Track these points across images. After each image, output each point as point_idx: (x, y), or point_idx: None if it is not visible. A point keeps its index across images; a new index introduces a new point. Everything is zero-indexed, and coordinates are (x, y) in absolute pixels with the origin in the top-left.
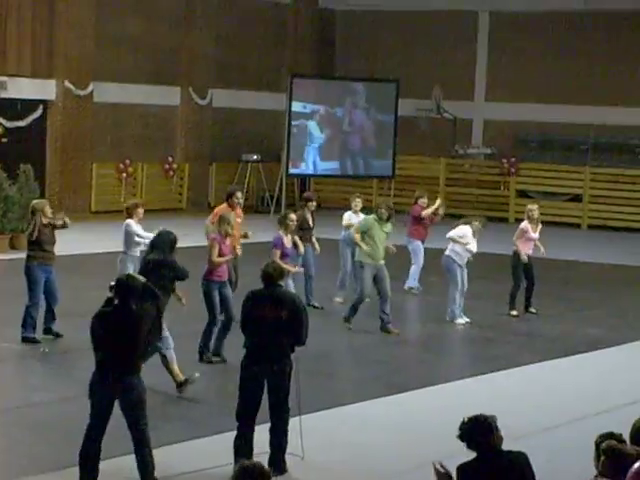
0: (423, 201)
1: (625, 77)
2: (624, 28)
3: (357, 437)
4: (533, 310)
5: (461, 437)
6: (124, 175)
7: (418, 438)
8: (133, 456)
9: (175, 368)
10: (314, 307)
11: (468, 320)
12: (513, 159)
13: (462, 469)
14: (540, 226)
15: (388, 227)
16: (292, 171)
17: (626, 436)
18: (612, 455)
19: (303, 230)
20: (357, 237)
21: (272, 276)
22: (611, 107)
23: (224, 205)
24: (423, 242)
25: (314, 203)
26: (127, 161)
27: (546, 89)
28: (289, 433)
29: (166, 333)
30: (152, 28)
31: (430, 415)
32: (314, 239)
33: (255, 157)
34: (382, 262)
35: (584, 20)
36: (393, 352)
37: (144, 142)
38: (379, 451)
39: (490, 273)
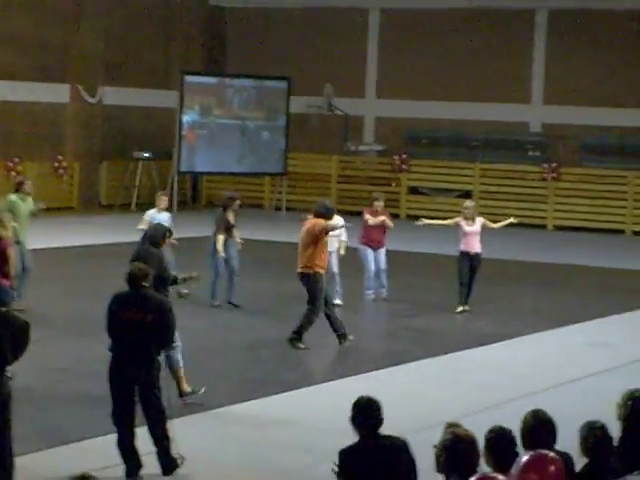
0: (378, 204)
1: (512, 74)
2: (511, 25)
3: (249, 435)
4: (465, 308)
5: (352, 419)
6: (13, 174)
7: (312, 434)
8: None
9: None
10: (234, 305)
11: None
12: (404, 156)
13: (344, 453)
14: (481, 220)
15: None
16: (184, 169)
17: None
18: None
19: (226, 229)
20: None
21: (137, 277)
22: (500, 104)
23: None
24: (375, 248)
25: (238, 202)
26: (16, 159)
27: (436, 86)
28: (176, 432)
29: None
30: (40, 25)
31: (322, 411)
32: (237, 237)
33: (146, 155)
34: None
35: (472, 18)
36: (284, 350)
37: (33, 140)
38: (273, 448)
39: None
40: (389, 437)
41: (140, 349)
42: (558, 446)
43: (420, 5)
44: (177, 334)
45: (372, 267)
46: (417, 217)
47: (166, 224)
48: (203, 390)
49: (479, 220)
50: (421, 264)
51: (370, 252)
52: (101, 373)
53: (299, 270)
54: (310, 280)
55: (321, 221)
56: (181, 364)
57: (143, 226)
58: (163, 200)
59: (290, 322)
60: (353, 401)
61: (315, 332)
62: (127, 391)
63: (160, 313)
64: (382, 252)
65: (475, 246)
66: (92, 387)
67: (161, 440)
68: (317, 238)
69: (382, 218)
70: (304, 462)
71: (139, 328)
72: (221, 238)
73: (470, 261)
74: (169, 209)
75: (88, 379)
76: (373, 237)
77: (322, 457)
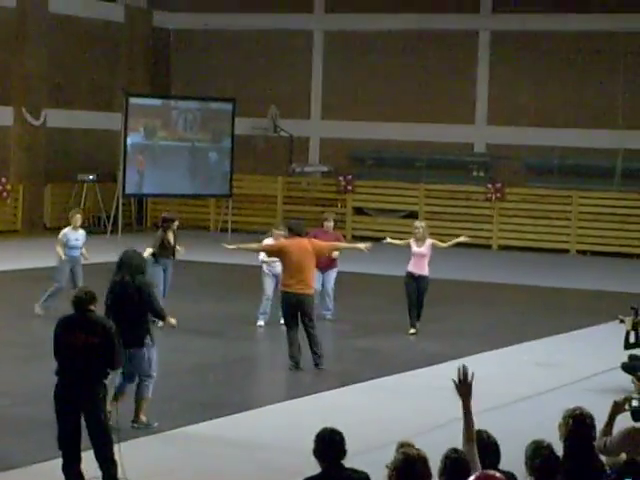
0: (328, 225)
1: (456, 95)
2: (455, 47)
3: (202, 454)
4: (414, 331)
5: (315, 451)
6: None
7: (260, 459)
8: None
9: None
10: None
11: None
12: (349, 177)
13: None
14: (430, 242)
15: None
16: (128, 191)
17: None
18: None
19: (164, 249)
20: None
21: (83, 301)
22: (444, 125)
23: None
24: (324, 270)
25: (176, 223)
26: None
27: (381, 107)
28: (123, 457)
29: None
30: None
31: (271, 433)
32: (181, 251)
33: (91, 177)
34: None
35: (416, 39)
36: (231, 372)
37: None
38: (218, 473)
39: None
40: (352, 470)
41: (86, 373)
42: (504, 466)
43: (364, 27)
44: (154, 365)
45: (316, 287)
46: (362, 238)
47: (80, 242)
48: (155, 425)
49: (429, 241)
50: (367, 285)
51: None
52: (48, 397)
53: (301, 291)
54: (312, 300)
55: (313, 241)
56: (149, 395)
57: (59, 247)
58: (77, 218)
59: (236, 344)
60: (316, 433)
61: (263, 353)
62: (73, 415)
63: (105, 335)
64: (331, 273)
65: (421, 268)
66: (39, 411)
67: (107, 464)
68: (318, 258)
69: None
70: (266, 479)
71: (85, 351)
72: (149, 251)
73: (416, 282)
74: (110, 231)
75: (35, 403)
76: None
77: (285, 474)
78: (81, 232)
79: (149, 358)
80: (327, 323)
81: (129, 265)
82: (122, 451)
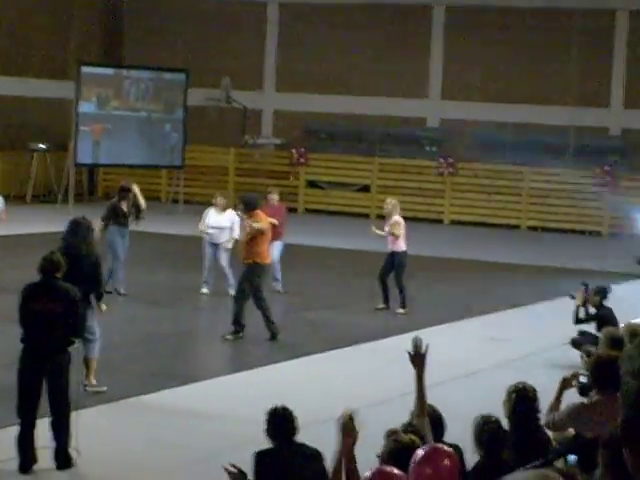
0: (272, 197)
1: (410, 70)
2: (409, 21)
3: (153, 424)
4: (379, 306)
5: (267, 430)
6: None
7: (210, 430)
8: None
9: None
10: (119, 294)
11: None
12: (302, 149)
13: (260, 455)
14: (393, 218)
15: None
16: (80, 160)
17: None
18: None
19: (117, 217)
20: None
21: (49, 268)
22: (398, 99)
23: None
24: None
25: (134, 190)
26: None
27: (335, 80)
28: (72, 427)
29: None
30: None
31: (221, 404)
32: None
33: (42, 146)
34: None
35: (371, 12)
36: (180, 343)
37: None
38: (168, 443)
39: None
40: (304, 445)
41: (51, 339)
42: (452, 440)
43: None
44: (97, 328)
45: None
46: (315, 211)
47: None
48: (104, 389)
49: (393, 219)
50: (315, 257)
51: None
52: (7, 365)
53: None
54: None
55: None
56: (96, 356)
57: None
58: None
59: (186, 315)
60: (267, 411)
61: (214, 325)
62: (35, 382)
63: (69, 303)
64: (276, 245)
65: (389, 244)
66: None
67: (61, 434)
68: None
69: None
70: (216, 448)
71: (49, 318)
72: (99, 223)
73: (387, 258)
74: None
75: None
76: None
77: (235, 443)
78: None
79: (91, 320)
80: (277, 295)
81: (78, 232)
82: (77, 419)
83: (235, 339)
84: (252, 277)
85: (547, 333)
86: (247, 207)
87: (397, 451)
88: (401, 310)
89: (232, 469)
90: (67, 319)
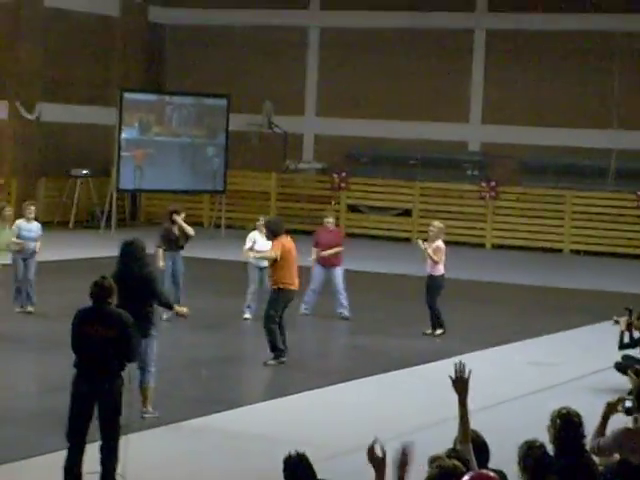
0: (328, 220)
1: (451, 94)
2: (450, 45)
3: (190, 455)
4: (427, 331)
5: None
6: None
7: (258, 453)
8: None
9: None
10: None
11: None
12: (344, 174)
13: None
14: (435, 243)
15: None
16: (122, 186)
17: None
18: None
19: (169, 242)
20: None
21: (101, 293)
22: (439, 123)
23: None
24: (328, 267)
25: (183, 215)
26: None
27: (376, 105)
28: (121, 452)
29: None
30: None
31: (270, 427)
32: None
33: (84, 172)
34: None
35: (412, 37)
36: (226, 369)
37: None
38: (213, 470)
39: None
40: None
41: (103, 365)
42: (496, 466)
43: (360, 24)
44: (154, 356)
45: (314, 285)
46: (357, 235)
47: (35, 233)
48: (157, 415)
49: (435, 244)
50: (359, 281)
51: (318, 270)
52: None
53: (297, 288)
54: None
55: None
56: (153, 384)
57: (13, 238)
58: (31, 209)
59: (230, 339)
60: (283, 458)
61: (257, 350)
62: (87, 406)
63: (122, 328)
64: (338, 271)
65: (428, 267)
66: (49, 404)
67: (109, 458)
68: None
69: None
70: (265, 472)
71: (102, 344)
72: (160, 251)
73: (427, 281)
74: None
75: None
76: (321, 256)
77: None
78: (35, 224)
79: (152, 349)
80: (340, 321)
81: (131, 254)
82: (126, 445)
83: (278, 364)
84: (275, 303)
85: (591, 357)
86: (272, 233)
87: (440, 477)
88: (430, 331)
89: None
90: (120, 344)
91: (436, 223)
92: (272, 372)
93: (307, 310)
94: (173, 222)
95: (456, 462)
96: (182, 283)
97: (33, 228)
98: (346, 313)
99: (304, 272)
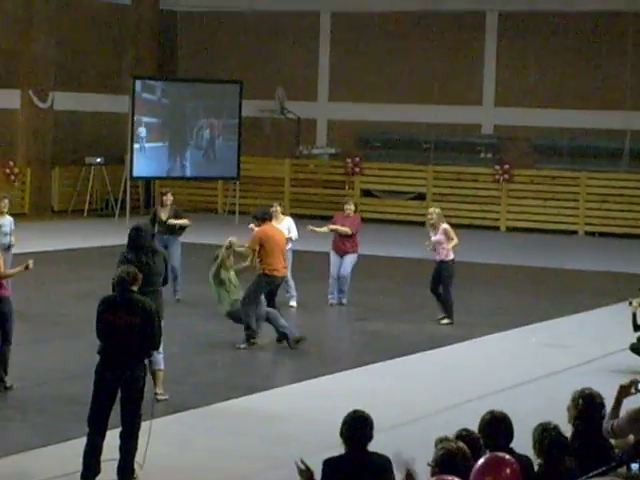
0: (347, 207)
1: (463, 76)
2: (462, 28)
3: (208, 440)
4: (439, 317)
5: (341, 432)
6: None
7: (272, 439)
8: None
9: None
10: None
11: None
12: (357, 159)
13: (328, 463)
14: (442, 227)
15: None
16: (136, 174)
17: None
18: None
19: (158, 225)
20: None
21: (124, 281)
22: (452, 106)
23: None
24: (342, 254)
25: (169, 196)
26: None
27: (388, 89)
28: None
29: None
30: None
31: (282, 416)
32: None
33: (98, 160)
34: None
35: (423, 20)
36: (241, 354)
37: None
38: (232, 453)
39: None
40: (375, 454)
41: (128, 351)
42: (514, 446)
43: (371, 8)
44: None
45: (333, 272)
46: (371, 220)
47: (8, 227)
48: (167, 397)
49: (442, 227)
50: (372, 266)
51: (334, 258)
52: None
53: (284, 274)
54: None
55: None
56: (163, 368)
57: None
58: (5, 202)
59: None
60: (345, 414)
61: (272, 336)
62: (110, 392)
63: (146, 316)
64: (347, 258)
65: (437, 254)
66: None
67: (129, 445)
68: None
69: (333, 227)
70: (285, 455)
71: (126, 331)
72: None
73: (436, 268)
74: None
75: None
76: (336, 243)
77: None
78: (8, 218)
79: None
80: (337, 307)
81: (142, 240)
82: (145, 432)
83: (249, 346)
84: (257, 286)
85: (606, 339)
86: (259, 220)
87: (445, 458)
88: (445, 321)
89: (301, 465)
90: (144, 331)
91: (432, 209)
92: (287, 357)
93: (334, 299)
94: (162, 205)
95: (460, 444)
96: (179, 270)
97: (6, 223)
98: (342, 300)
99: (324, 259)
